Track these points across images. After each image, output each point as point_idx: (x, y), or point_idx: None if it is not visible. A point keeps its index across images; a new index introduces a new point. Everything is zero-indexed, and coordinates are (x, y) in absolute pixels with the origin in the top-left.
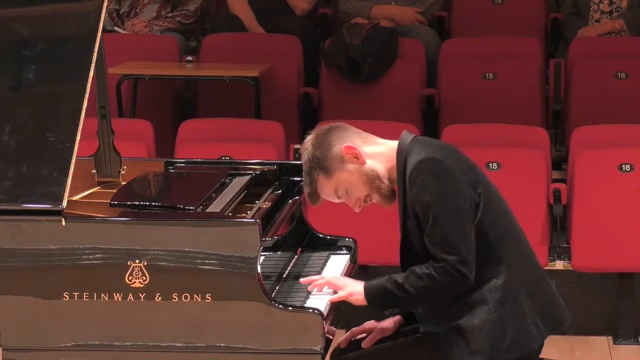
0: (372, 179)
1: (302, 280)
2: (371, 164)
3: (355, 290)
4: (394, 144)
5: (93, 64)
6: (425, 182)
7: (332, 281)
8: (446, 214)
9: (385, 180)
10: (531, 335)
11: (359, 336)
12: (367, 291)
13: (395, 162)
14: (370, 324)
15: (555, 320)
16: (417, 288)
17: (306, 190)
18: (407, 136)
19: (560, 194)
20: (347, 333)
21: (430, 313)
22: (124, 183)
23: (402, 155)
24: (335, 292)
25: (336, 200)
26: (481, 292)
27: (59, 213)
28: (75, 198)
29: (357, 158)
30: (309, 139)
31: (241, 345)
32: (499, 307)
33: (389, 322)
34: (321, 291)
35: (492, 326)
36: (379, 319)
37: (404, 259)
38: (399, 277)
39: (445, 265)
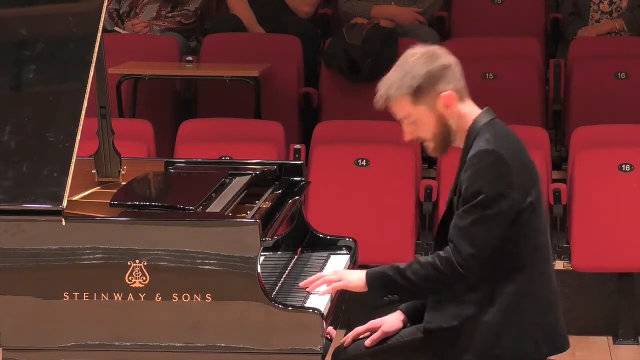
0: (442, 132)
1: (301, 284)
2: (452, 122)
3: (353, 277)
4: (475, 114)
5: (93, 64)
6: (482, 172)
7: (328, 278)
8: (485, 210)
9: (450, 139)
10: (526, 349)
11: (362, 336)
12: (368, 276)
13: (465, 130)
14: (373, 323)
15: (556, 344)
16: (418, 276)
17: (384, 94)
18: (485, 116)
19: (560, 194)
20: (351, 332)
21: (441, 300)
22: (124, 183)
23: (474, 132)
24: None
25: (396, 118)
26: (492, 293)
27: (59, 213)
28: (75, 198)
29: (447, 109)
30: (426, 56)
31: (241, 345)
32: (503, 313)
33: (393, 322)
34: (321, 291)
35: (488, 329)
36: (377, 307)
37: (440, 233)
38: (402, 265)
39: (450, 258)
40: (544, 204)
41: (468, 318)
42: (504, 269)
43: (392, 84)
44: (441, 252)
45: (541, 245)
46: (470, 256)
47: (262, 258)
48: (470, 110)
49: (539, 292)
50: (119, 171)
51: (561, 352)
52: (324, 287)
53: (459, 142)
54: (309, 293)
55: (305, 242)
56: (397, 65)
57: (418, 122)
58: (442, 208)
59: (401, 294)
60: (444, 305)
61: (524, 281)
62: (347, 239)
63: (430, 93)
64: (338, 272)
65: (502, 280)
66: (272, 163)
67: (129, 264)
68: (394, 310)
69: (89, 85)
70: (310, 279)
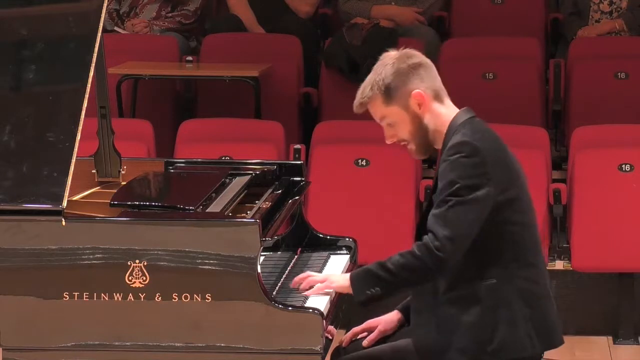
0: (419, 131)
1: (291, 284)
2: (427, 120)
3: (337, 278)
4: (453, 114)
5: (93, 64)
6: (457, 162)
7: (313, 279)
8: (460, 198)
9: (429, 139)
10: (521, 344)
11: (360, 335)
12: (352, 275)
13: (444, 130)
14: (371, 322)
15: (550, 339)
16: (397, 266)
17: (359, 99)
18: (464, 114)
19: (560, 194)
20: (349, 332)
21: (424, 303)
22: (124, 183)
23: (451, 130)
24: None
25: (376, 121)
26: (477, 290)
27: (59, 213)
28: (75, 198)
29: (420, 107)
30: (396, 57)
31: (241, 345)
32: (492, 310)
33: (390, 321)
34: (307, 288)
35: (480, 327)
36: (363, 302)
37: (420, 231)
38: (384, 259)
39: (427, 243)
40: (528, 198)
41: (456, 318)
42: (486, 265)
43: (365, 87)
44: (419, 241)
45: (526, 239)
46: (446, 238)
47: (262, 258)
48: (448, 111)
49: (525, 285)
50: (119, 171)
51: (555, 347)
52: (309, 288)
53: (439, 143)
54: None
55: (305, 242)
56: (373, 69)
57: (394, 124)
58: None
59: (383, 286)
60: (431, 308)
61: (507, 276)
62: (347, 239)
63: (401, 92)
64: (325, 275)
65: (485, 276)
66: (272, 163)
67: (129, 264)
68: (391, 309)
69: (89, 85)
70: (300, 276)
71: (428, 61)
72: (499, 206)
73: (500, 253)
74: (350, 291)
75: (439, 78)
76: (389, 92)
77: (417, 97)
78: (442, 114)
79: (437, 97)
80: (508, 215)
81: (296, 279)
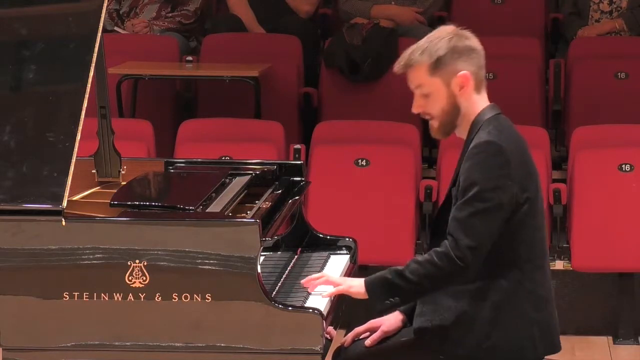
0: (450, 111)
1: (302, 281)
2: (461, 103)
3: (354, 283)
4: (483, 106)
5: (93, 64)
6: (481, 162)
7: (330, 279)
8: (483, 202)
9: (455, 122)
10: (522, 345)
11: (362, 335)
12: (367, 282)
13: (471, 120)
14: (373, 322)
15: (552, 344)
16: (417, 275)
17: (406, 59)
18: (491, 110)
19: (560, 194)
20: (351, 332)
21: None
22: (124, 183)
23: (477, 124)
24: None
25: (410, 87)
26: (486, 288)
27: (59, 213)
28: (75, 198)
29: (460, 89)
30: (454, 33)
31: (241, 345)
32: (496, 308)
33: (392, 321)
34: (318, 288)
35: (481, 323)
36: (381, 311)
37: (436, 223)
38: (400, 267)
39: (449, 252)
40: (541, 201)
41: (461, 312)
42: (498, 264)
43: (415, 50)
44: (438, 248)
45: (537, 242)
46: (468, 249)
47: (262, 258)
48: (481, 102)
49: (534, 288)
50: (119, 171)
51: (556, 352)
52: (325, 287)
53: (462, 131)
54: (309, 293)
55: (305, 242)
56: (427, 36)
57: (430, 95)
58: None
59: (402, 295)
60: (436, 298)
61: (518, 277)
62: (347, 239)
63: (449, 68)
64: (342, 277)
65: (496, 276)
66: (272, 163)
67: (129, 264)
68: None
69: (89, 85)
70: (312, 276)
71: (481, 48)
72: (518, 207)
73: (513, 253)
74: (367, 297)
75: (484, 69)
76: (438, 64)
77: (462, 78)
78: (476, 103)
79: (477, 86)
80: (524, 216)
81: (311, 278)
